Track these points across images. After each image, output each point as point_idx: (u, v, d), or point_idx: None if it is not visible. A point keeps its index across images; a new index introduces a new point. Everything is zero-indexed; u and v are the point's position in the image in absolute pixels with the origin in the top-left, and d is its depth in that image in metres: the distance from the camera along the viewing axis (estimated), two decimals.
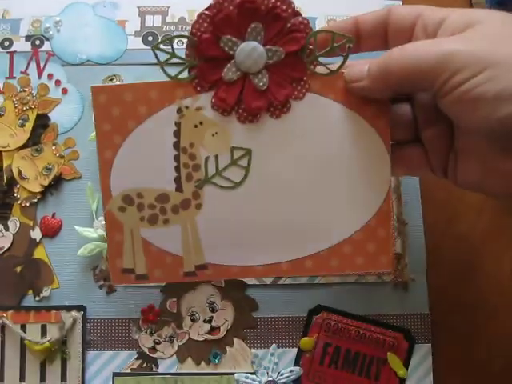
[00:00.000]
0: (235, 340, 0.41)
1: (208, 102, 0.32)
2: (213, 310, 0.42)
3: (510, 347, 0.42)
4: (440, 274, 0.43)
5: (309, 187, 0.33)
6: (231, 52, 0.31)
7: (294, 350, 0.41)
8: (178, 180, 0.33)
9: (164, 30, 0.46)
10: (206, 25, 0.31)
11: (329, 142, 0.33)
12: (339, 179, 0.33)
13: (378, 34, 0.33)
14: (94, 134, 0.42)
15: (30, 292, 0.42)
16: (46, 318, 0.41)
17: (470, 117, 0.27)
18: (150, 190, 0.33)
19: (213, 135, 0.32)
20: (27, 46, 0.46)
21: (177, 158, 0.33)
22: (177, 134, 0.33)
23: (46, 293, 0.41)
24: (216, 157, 0.33)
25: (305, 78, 0.32)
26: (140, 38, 0.46)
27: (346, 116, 0.32)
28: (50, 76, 0.45)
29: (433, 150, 0.33)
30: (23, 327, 0.41)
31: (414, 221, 0.43)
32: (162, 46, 0.32)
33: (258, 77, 0.31)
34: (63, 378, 0.40)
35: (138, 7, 0.47)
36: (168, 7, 0.47)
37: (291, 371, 0.41)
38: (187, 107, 0.32)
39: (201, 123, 0.32)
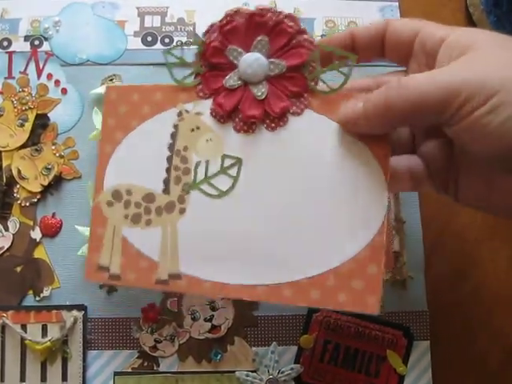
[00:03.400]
0: (236, 338, 0.42)
1: (207, 109, 0.33)
2: (213, 309, 0.42)
3: (508, 343, 0.43)
4: (438, 272, 0.44)
5: (296, 207, 0.32)
6: (235, 62, 0.32)
7: (294, 348, 0.42)
8: (166, 182, 0.33)
9: (163, 30, 0.47)
10: (215, 34, 0.32)
11: (323, 163, 0.32)
12: (330, 203, 0.31)
13: (375, 47, 0.33)
14: (94, 133, 0.43)
15: (31, 292, 0.42)
16: (47, 317, 0.41)
17: (480, 144, 0.27)
18: (140, 188, 0.33)
19: (207, 141, 0.33)
20: (26, 46, 0.46)
21: (169, 160, 0.33)
22: (174, 135, 0.33)
23: (46, 293, 0.41)
24: (207, 163, 0.33)
25: (305, 95, 0.32)
26: (139, 39, 0.46)
27: (344, 138, 0.31)
28: (49, 76, 0.45)
29: (431, 166, 0.33)
30: (24, 327, 0.41)
31: (412, 219, 0.44)
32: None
33: (258, 87, 0.32)
34: (64, 377, 0.40)
35: (137, 7, 0.47)
36: (167, 8, 0.47)
37: (292, 369, 0.41)
38: (187, 111, 0.33)
39: (197, 128, 0.33)
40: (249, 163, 0.32)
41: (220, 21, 0.32)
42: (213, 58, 0.32)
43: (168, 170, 0.33)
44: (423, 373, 0.42)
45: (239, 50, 0.32)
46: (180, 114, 0.33)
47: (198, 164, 0.33)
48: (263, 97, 0.32)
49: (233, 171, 0.32)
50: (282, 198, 0.32)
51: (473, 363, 0.43)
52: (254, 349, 0.42)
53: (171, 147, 0.33)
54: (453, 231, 0.45)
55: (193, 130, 0.33)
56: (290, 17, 0.31)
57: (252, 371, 0.41)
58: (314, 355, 0.42)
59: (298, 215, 0.32)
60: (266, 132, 0.32)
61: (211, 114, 0.33)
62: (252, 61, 0.32)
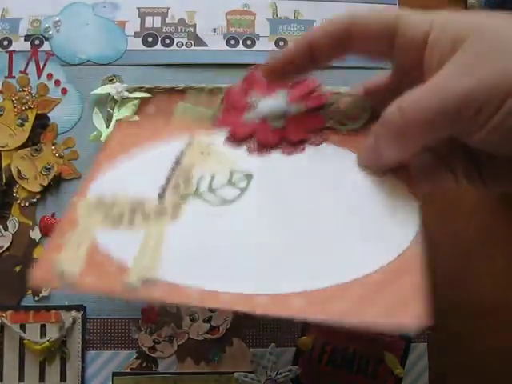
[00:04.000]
0: (234, 339, 0.42)
1: (221, 138, 0.33)
2: (212, 310, 0.42)
3: (506, 346, 0.43)
4: (435, 274, 0.44)
5: (305, 226, 0.29)
6: (255, 105, 0.33)
7: (293, 349, 0.42)
8: (163, 188, 0.31)
9: (164, 31, 0.46)
10: (239, 83, 0.34)
11: (342, 192, 0.30)
12: (343, 230, 0.28)
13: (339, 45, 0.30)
14: (94, 133, 0.43)
15: (30, 292, 0.41)
16: (46, 317, 0.41)
17: (506, 148, 0.25)
18: (127, 198, 0.30)
19: (216, 162, 0.32)
20: (26, 46, 0.45)
21: (171, 171, 0.31)
22: (180, 155, 0.32)
23: (45, 293, 0.41)
24: (212, 176, 0.31)
25: (324, 131, 0.32)
26: (140, 39, 0.46)
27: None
28: (49, 76, 0.45)
29: (444, 161, 0.31)
30: (22, 327, 0.41)
31: None
32: None
33: (276, 121, 0.32)
34: (63, 377, 0.40)
35: (138, 8, 0.47)
36: (168, 8, 0.47)
37: (290, 370, 0.41)
38: (199, 140, 0.33)
39: (208, 153, 0.32)
40: (260, 178, 0.31)
41: (245, 76, 0.34)
42: (233, 99, 0.33)
43: (168, 179, 0.31)
44: (420, 375, 0.42)
45: (260, 96, 0.33)
46: (190, 142, 0.33)
47: (202, 177, 0.31)
48: (281, 127, 0.32)
49: (242, 184, 0.31)
50: (291, 214, 0.29)
51: (470, 366, 0.43)
52: (252, 350, 0.42)
53: (176, 162, 0.32)
54: (451, 232, 0.45)
55: (202, 153, 0.32)
56: (310, 80, 0.33)
57: (250, 372, 0.41)
58: (312, 357, 0.42)
59: (305, 232, 0.29)
60: (281, 155, 0.32)
61: (224, 141, 0.33)
62: (271, 102, 0.33)
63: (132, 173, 0.32)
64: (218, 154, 0.32)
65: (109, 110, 0.44)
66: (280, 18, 0.47)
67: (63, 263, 0.27)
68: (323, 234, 0.28)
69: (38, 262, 0.28)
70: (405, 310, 0.24)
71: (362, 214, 0.29)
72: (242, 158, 0.32)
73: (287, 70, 0.31)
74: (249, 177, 0.31)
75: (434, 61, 0.26)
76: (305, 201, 0.30)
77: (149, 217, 0.29)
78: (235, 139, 0.33)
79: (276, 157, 0.32)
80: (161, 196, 0.30)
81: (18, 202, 0.43)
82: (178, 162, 0.32)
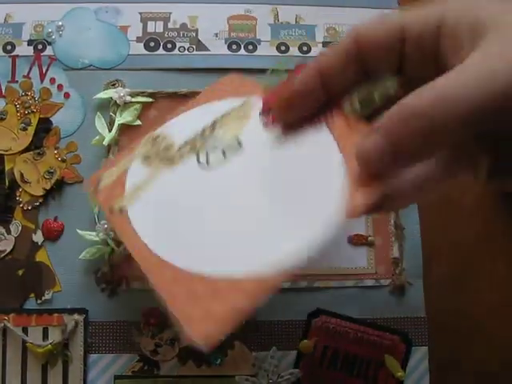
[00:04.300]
0: (236, 343, 0.42)
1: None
2: None
3: (506, 350, 0.43)
4: (436, 278, 0.44)
5: (252, 207, 0.28)
6: None
7: (294, 353, 0.42)
8: (186, 142, 0.33)
9: (166, 35, 0.47)
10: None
11: (305, 186, 0.28)
12: (264, 226, 0.27)
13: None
14: (97, 138, 0.44)
15: (32, 295, 0.42)
16: (48, 320, 0.41)
17: None
18: (170, 139, 0.34)
19: (241, 126, 0.33)
20: (29, 51, 0.46)
21: (204, 128, 0.34)
22: (224, 114, 0.34)
23: (47, 296, 0.42)
24: (221, 138, 0.33)
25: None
26: (142, 44, 0.46)
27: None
28: (52, 80, 0.45)
29: (468, 153, 0.27)
30: (25, 330, 0.41)
31: (411, 225, 0.44)
32: None
33: None
34: (65, 380, 0.41)
35: (140, 13, 0.47)
36: (170, 13, 0.47)
37: (291, 373, 0.41)
38: (250, 102, 0.34)
39: (244, 116, 0.34)
40: (245, 153, 0.31)
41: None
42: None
43: (196, 134, 0.33)
44: (421, 378, 0.42)
45: None
46: (244, 102, 0.35)
47: (215, 137, 0.33)
48: None
49: (229, 153, 0.31)
50: (243, 198, 0.29)
51: (471, 369, 0.43)
52: (253, 353, 0.42)
53: (213, 122, 0.34)
54: (451, 237, 0.45)
55: (240, 116, 0.34)
56: None
57: (252, 376, 0.41)
58: (314, 360, 0.42)
59: (240, 216, 0.28)
60: (279, 132, 0.30)
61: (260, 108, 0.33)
62: None
63: (190, 120, 0.36)
64: (247, 119, 0.33)
65: (111, 114, 0.44)
66: (281, 22, 0.48)
67: (103, 177, 0.34)
68: (251, 221, 0.28)
69: (96, 171, 0.36)
70: (207, 326, 0.23)
71: (287, 218, 0.27)
72: (254, 127, 0.32)
73: (300, 104, 0.29)
74: (238, 148, 0.32)
75: (457, 51, 0.23)
76: (264, 190, 0.29)
77: (162, 161, 0.33)
78: (263, 106, 0.32)
79: (274, 132, 0.30)
80: (181, 147, 0.33)
81: (21, 205, 0.43)
82: (217, 120, 0.34)
